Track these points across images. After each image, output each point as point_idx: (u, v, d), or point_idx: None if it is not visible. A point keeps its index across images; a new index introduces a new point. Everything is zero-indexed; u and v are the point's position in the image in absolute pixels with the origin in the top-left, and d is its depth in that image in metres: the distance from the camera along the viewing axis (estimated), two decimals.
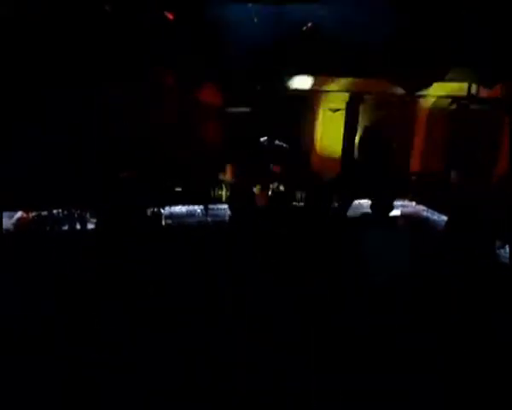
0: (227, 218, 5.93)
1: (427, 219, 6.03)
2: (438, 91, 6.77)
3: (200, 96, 7.28)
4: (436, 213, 5.91)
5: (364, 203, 5.94)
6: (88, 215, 5.39)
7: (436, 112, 7.13)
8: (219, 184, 6.41)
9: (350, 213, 5.14)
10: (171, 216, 5.99)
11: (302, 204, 5.56)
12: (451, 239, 4.83)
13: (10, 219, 5.03)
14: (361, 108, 7.34)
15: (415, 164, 7.22)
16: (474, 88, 6.44)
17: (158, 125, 6.70)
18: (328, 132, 7.29)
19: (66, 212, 5.29)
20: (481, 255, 4.44)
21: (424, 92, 6.54)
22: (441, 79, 5.97)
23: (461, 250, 4.55)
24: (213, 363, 3.40)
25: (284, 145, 7.23)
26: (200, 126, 7.23)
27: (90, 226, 5.37)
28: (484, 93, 6.28)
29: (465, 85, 6.55)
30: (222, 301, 4.05)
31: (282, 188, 6.09)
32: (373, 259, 3.61)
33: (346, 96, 7.19)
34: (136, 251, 4.63)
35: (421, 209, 6.20)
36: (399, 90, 6.29)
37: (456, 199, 5.39)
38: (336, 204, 5.15)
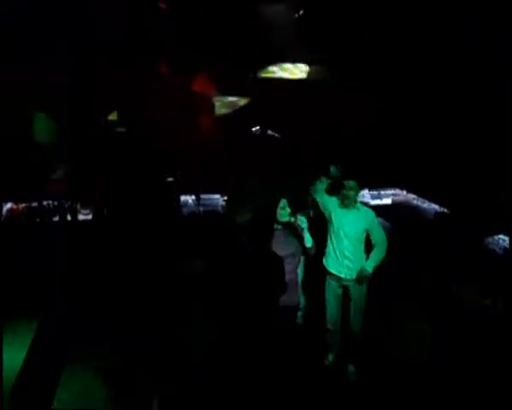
0: (219, 207, 5.94)
1: (417, 208, 6.06)
2: None
3: (193, 85, 7.24)
4: (426, 201, 5.95)
5: None
6: (78, 206, 5.37)
7: None
8: None
9: None
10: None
11: None
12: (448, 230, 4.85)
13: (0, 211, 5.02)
14: None
15: None
16: None
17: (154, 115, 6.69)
18: None
19: (56, 203, 5.27)
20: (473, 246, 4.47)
21: None
22: None
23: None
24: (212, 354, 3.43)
25: (277, 135, 7.20)
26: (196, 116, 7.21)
27: (81, 217, 5.37)
28: None
29: None
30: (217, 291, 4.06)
31: None
32: None
33: None
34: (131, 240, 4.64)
35: (412, 198, 6.23)
36: None
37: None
38: None
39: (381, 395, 3.21)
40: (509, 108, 4.85)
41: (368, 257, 3.31)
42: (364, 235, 3.32)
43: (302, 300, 3.66)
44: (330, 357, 3.53)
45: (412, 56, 6.49)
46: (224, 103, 6.72)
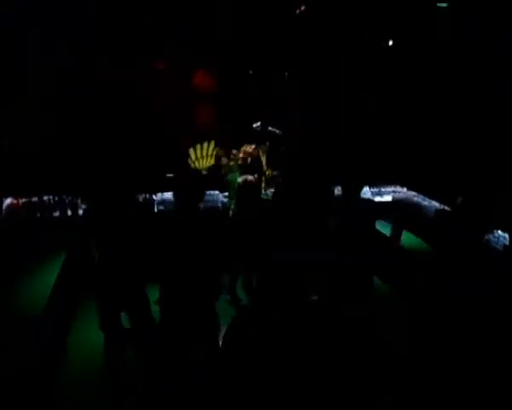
0: (219, 204, 5.93)
1: (417, 205, 6.05)
2: None
3: (194, 81, 7.24)
4: (427, 198, 5.94)
5: None
6: (79, 201, 5.37)
7: None
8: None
9: None
10: (163, 202, 5.99)
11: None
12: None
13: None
14: None
15: None
16: None
17: (156, 110, 6.71)
18: None
19: (56, 198, 5.27)
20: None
21: None
22: None
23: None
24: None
25: (277, 131, 7.18)
26: (196, 112, 7.22)
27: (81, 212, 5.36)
28: None
29: None
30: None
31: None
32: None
33: None
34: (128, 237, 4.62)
35: (412, 195, 6.22)
36: None
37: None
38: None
39: (380, 393, 3.21)
40: (509, 108, 4.86)
41: None
42: None
43: None
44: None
45: (413, 56, 6.50)
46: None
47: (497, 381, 3.19)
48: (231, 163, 5.34)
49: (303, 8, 6.94)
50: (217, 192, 5.91)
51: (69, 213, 5.35)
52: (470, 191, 4.59)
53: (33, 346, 3.30)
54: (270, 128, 7.02)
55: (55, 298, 3.89)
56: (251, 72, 7.05)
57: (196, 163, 5.75)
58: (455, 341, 3.57)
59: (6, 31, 5.44)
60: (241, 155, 4.70)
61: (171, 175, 6.52)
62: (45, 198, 5.30)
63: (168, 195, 6.04)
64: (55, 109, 6.19)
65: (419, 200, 6.07)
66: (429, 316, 3.91)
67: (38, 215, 5.19)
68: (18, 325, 3.42)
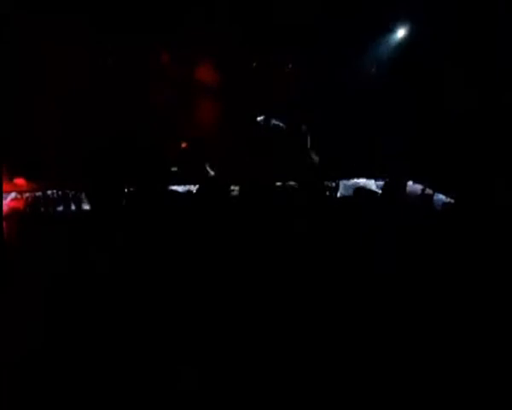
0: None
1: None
2: None
3: (196, 76, 7.22)
4: (433, 191, 5.88)
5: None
6: (83, 196, 5.38)
7: None
8: None
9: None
10: (169, 195, 5.99)
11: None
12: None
13: (4, 200, 5.03)
14: None
15: None
16: None
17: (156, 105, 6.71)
18: None
19: (60, 192, 5.28)
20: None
21: None
22: None
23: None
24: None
25: (281, 125, 7.15)
26: (199, 107, 7.20)
27: (86, 207, 5.37)
28: None
29: None
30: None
31: None
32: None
33: None
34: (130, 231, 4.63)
35: (419, 188, 6.15)
36: None
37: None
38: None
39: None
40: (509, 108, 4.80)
41: None
42: None
43: None
44: None
45: (412, 53, 6.44)
46: None
47: (497, 380, 3.15)
48: None
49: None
50: None
51: (73, 207, 5.37)
52: (470, 185, 4.57)
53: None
54: (273, 121, 7.00)
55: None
56: (254, 64, 7.01)
57: None
58: (454, 338, 3.54)
59: (6, 30, 5.45)
60: None
61: (176, 169, 6.53)
62: (49, 193, 5.32)
63: (174, 188, 6.08)
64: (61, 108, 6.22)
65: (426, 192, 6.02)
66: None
67: (42, 210, 5.20)
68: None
